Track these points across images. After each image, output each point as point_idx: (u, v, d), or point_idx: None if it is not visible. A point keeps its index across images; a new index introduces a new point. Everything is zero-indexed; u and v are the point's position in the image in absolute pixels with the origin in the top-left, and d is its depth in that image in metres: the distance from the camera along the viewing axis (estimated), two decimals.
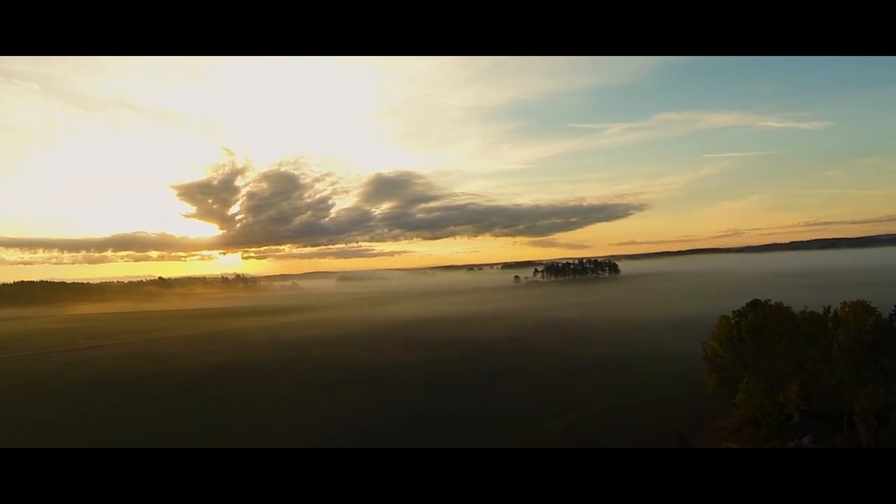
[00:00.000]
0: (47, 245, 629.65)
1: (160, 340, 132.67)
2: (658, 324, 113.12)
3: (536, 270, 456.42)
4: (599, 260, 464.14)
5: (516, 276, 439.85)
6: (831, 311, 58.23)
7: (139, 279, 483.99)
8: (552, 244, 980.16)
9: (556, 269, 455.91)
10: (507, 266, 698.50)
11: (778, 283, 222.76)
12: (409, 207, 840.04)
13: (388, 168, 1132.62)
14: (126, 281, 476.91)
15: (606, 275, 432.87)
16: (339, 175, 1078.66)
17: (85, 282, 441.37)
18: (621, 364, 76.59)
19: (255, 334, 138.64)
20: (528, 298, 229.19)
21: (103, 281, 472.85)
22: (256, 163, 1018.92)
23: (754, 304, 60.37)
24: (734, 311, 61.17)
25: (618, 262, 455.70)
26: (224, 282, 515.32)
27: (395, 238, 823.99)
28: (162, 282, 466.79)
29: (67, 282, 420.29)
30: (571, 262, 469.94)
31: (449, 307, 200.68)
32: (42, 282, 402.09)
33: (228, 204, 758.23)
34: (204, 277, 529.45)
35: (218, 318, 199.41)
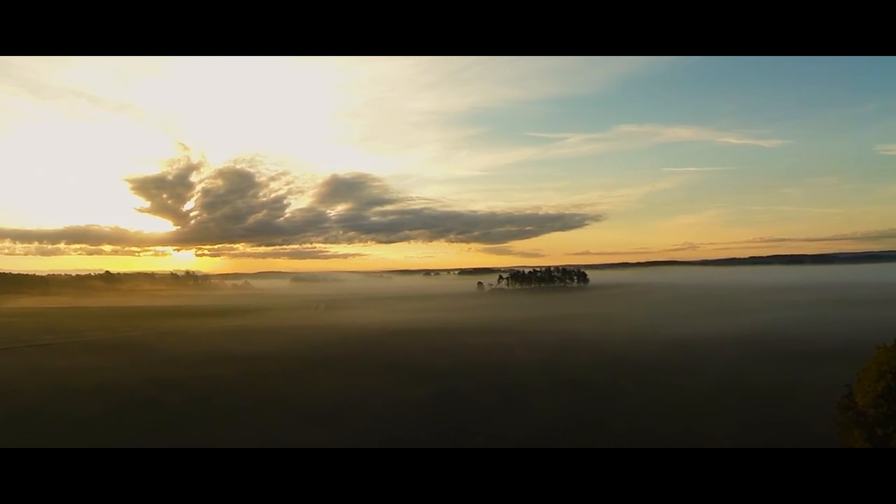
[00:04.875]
0: None
1: (79, 346, 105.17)
2: (695, 345, 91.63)
3: (501, 277, 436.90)
4: (568, 268, 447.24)
5: (479, 283, 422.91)
6: None
7: (87, 272, 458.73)
8: (507, 252, 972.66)
9: (521, 277, 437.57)
10: (464, 272, 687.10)
11: (773, 297, 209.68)
12: (364, 210, 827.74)
13: (345, 169, 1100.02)
14: (74, 274, 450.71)
15: (574, 284, 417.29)
16: (295, 174, 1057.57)
17: (31, 273, 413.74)
18: (709, 409, 52.77)
19: (193, 342, 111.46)
20: (512, 308, 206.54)
21: (50, 273, 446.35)
22: (212, 159, 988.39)
23: None
24: None
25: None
26: (173, 278, 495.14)
27: (350, 240, 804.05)
28: (108, 276, 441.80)
29: (13, 273, 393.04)
30: (538, 269, 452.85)
31: (422, 314, 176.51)
32: None
33: (183, 200, 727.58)
34: (153, 273, 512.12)
35: (157, 318, 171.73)
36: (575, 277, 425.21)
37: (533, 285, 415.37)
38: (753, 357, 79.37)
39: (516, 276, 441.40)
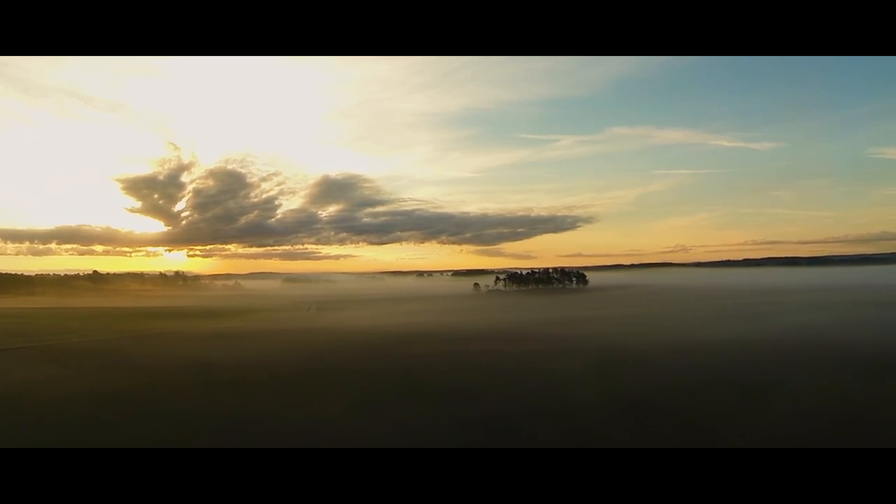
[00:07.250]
0: None
1: (46, 350, 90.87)
2: (749, 350, 79.65)
3: (498, 278, 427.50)
4: (567, 269, 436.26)
5: (476, 284, 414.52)
6: None
7: (75, 273, 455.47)
8: (499, 253, 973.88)
9: (519, 278, 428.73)
10: (457, 273, 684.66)
11: (790, 299, 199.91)
12: (356, 211, 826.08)
13: (336, 170, 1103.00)
14: (62, 274, 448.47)
15: (574, 285, 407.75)
16: (287, 175, 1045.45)
17: (19, 273, 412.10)
18: None
19: (172, 347, 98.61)
20: (519, 311, 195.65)
21: (39, 273, 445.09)
22: (203, 159, 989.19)
23: None
24: None
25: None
26: (162, 279, 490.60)
27: (342, 241, 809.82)
28: (96, 276, 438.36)
29: (1, 272, 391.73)
30: (536, 270, 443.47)
31: (424, 317, 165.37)
32: None
33: (174, 200, 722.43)
34: (142, 273, 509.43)
35: (138, 319, 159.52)
36: (574, 279, 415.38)
37: (531, 287, 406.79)
38: (828, 364, 68.26)
39: (514, 277, 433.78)
